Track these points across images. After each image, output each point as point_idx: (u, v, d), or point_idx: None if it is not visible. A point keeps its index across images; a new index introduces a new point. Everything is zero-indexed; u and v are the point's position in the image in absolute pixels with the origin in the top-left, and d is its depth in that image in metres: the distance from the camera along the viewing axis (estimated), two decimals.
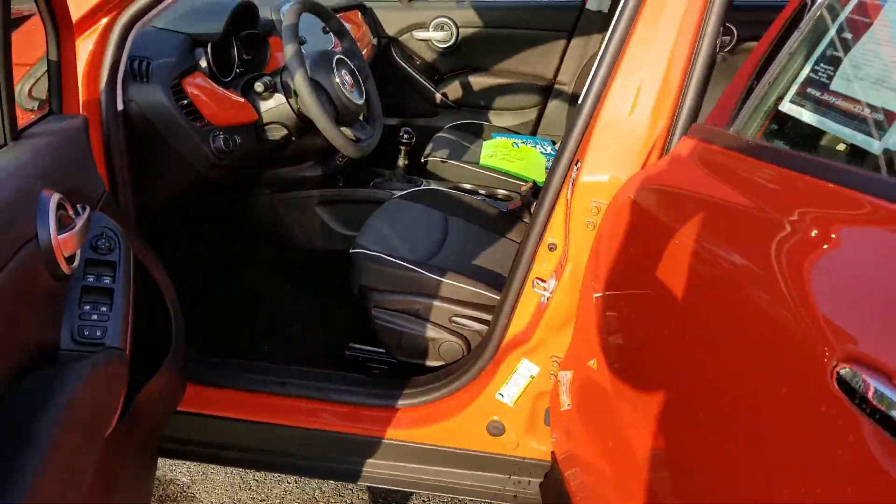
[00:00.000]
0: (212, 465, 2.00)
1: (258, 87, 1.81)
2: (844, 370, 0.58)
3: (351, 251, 1.78)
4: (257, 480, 1.97)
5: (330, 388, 1.62)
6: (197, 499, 1.90)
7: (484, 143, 2.72)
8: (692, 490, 0.91)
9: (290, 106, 1.85)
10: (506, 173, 2.53)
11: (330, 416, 1.61)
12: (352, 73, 1.93)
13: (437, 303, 1.67)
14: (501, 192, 2.48)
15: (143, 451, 1.35)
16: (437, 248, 1.83)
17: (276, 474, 1.99)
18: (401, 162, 2.51)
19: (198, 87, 1.69)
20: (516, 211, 2.18)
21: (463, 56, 3.03)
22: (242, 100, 1.83)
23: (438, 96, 3.08)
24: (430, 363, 1.72)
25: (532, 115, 3.10)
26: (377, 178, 2.53)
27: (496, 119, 3.11)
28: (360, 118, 2.06)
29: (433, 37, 2.98)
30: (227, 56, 1.88)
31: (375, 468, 1.62)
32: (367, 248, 1.75)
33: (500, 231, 2.01)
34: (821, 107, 0.88)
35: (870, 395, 0.54)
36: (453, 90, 3.09)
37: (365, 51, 2.73)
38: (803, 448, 0.64)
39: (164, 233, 1.67)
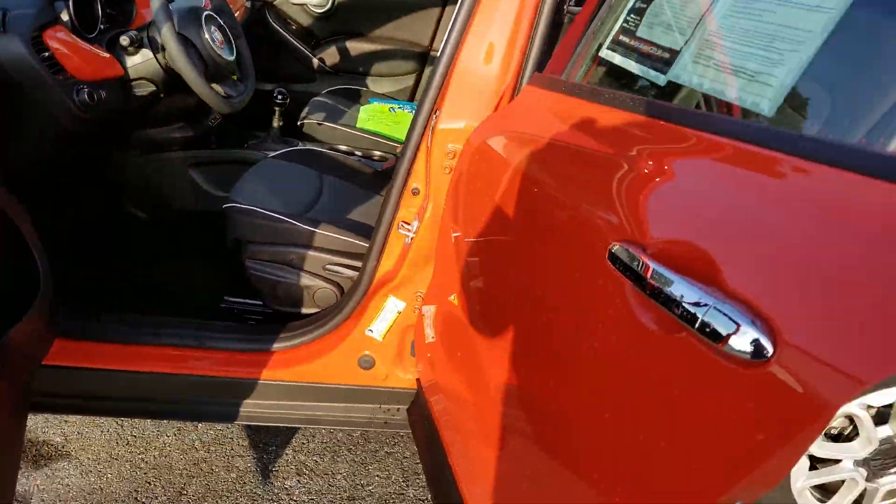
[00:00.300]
0: (87, 425, 1.99)
1: (123, 40, 1.79)
2: (615, 247, 0.71)
3: (224, 206, 1.81)
4: (135, 436, 1.98)
5: (206, 336, 1.66)
6: (73, 457, 1.89)
7: (361, 107, 2.78)
8: (534, 407, 1.04)
9: (158, 61, 1.84)
10: (382, 136, 2.61)
11: (208, 361, 1.66)
12: (222, 30, 1.94)
13: (310, 252, 1.74)
14: (377, 153, 2.56)
15: (11, 399, 1.35)
16: (311, 203, 1.89)
17: (154, 429, 2.01)
18: (275, 123, 2.54)
19: (59, 40, 1.65)
20: (390, 170, 2.26)
21: (339, 21, 3.07)
22: (108, 55, 1.81)
23: (316, 61, 3.09)
24: (306, 310, 1.79)
25: (409, 81, 3.18)
26: (251, 139, 2.54)
27: (374, 85, 3.17)
28: (233, 76, 2.08)
29: (309, 1, 2.99)
30: (90, 12, 1.84)
31: (253, 408, 1.69)
32: (240, 203, 1.79)
33: (375, 188, 2.10)
34: (628, 50, 1.02)
35: (630, 262, 0.68)
36: (331, 55, 3.12)
37: (237, 13, 2.72)
38: (595, 319, 0.78)
39: (35, 193, 1.64)
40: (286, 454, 2.02)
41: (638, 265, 0.66)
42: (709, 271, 0.60)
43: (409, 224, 1.51)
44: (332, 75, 3.12)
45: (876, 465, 1.75)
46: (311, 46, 3.11)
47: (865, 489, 1.78)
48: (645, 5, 1.04)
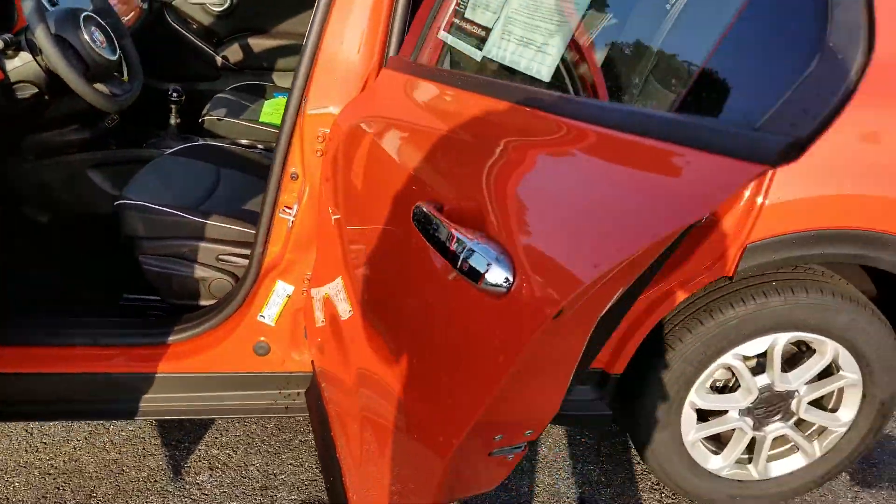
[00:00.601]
0: None
1: None
2: (417, 207, 0.78)
3: (115, 203, 1.82)
4: (44, 442, 1.97)
5: (101, 333, 1.67)
6: None
7: (266, 102, 2.80)
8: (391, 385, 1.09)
9: (38, 63, 1.84)
10: None
11: (105, 359, 1.67)
12: (102, 30, 1.95)
13: (203, 244, 1.77)
14: None
15: None
16: (205, 196, 1.92)
17: (64, 433, 2.00)
18: (172, 120, 2.54)
19: None
20: None
21: (240, 18, 3.07)
22: None
23: (219, 59, 3.09)
24: (203, 302, 1.82)
25: None
26: (152, 138, 2.54)
27: (279, 80, 3.19)
28: (121, 76, 2.08)
29: (207, 0, 2.99)
30: None
31: (154, 402, 1.71)
32: (131, 199, 1.80)
33: None
34: (458, 31, 1.09)
35: (424, 220, 0.74)
36: (234, 53, 3.12)
37: (132, 15, 2.71)
38: (412, 277, 0.85)
39: None
40: (199, 450, 2.04)
41: (429, 221, 0.73)
42: (479, 221, 0.67)
43: (290, 208, 1.56)
44: (236, 72, 3.13)
45: (760, 413, 1.88)
46: (213, 45, 3.10)
47: (755, 437, 1.91)
48: None
